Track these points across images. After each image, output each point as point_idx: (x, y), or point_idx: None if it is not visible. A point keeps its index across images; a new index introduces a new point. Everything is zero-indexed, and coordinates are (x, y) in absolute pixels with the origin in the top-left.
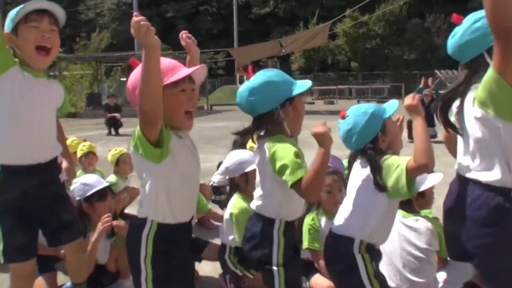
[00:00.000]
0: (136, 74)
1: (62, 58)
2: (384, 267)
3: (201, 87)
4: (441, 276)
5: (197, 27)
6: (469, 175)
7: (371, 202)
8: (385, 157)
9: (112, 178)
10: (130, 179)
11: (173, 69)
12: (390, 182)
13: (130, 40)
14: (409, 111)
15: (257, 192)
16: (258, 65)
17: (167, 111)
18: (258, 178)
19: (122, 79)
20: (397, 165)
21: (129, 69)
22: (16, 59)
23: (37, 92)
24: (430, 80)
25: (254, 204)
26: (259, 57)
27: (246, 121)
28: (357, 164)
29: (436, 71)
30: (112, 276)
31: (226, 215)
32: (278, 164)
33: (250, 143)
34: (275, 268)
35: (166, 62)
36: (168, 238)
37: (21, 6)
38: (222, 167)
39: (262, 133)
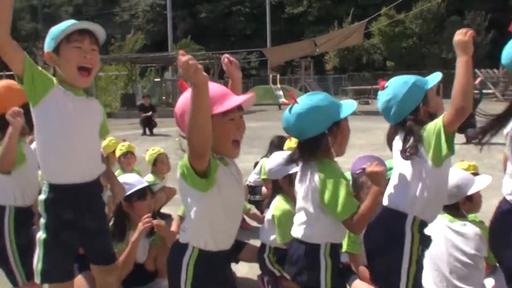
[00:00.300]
0: (184, 100)
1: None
2: (430, 273)
3: None
4: (489, 282)
5: (230, 27)
6: None
7: (418, 174)
8: (425, 126)
9: (149, 177)
10: (167, 178)
11: (223, 98)
12: (432, 146)
13: (164, 41)
14: (458, 48)
15: (299, 218)
16: (291, 65)
17: (215, 139)
18: (300, 203)
19: (156, 79)
20: (434, 125)
21: (163, 70)
22: (54, 78)
23: (81, 110)
24: (478, 81)
25: (297, 231)
26: (292, 57)
27: (278, 121)
28: (397, 139)
29: (476, 70)
30: (150, 275)
31: (268, 216)
32: (329, 198)
33: (288, 144)
34: None
35: (215, 89)
36: (209, 265)
37: (64, 25)
38: (265, 168)
39: (307, 158)
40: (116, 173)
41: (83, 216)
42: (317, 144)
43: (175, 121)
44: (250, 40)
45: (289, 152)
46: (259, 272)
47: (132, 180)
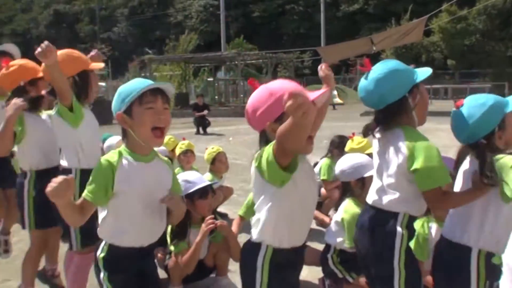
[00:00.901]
0: (257, 98)
1: (153, 59)
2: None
3: None
4: None
5: (283, 26)
6: None
7: (485, 205)
8: (499, 156)
9: (207, 176)
10: (225, 177)
11: None
12: (507, 182)
13: (217, 41)
14: None
15: (376, 185)
16: (346, 64)
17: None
18: (378, 171)
19: (209, 79)
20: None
21: (215, 70)
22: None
23: (152, 178)
24: None
25: (373, 198)
26: (348, 56)
27: (332, 121)
28: (466, 162)
29: None
30: (207, 270)
31: (336, 218)
32: (421, 164)
33: (350, 145)
34: (396, 266)
35: (288, 86)
36: (284, 264)
37: (135, 86)
38: (325, 169)
39: (389, 125)
40: (175, 171)
41: (140, 276)
42: (400, 108)
43: (246, 119)
44: (303, 39)
45: (363, 155)
46: (318, 275)
47: (194, 178)
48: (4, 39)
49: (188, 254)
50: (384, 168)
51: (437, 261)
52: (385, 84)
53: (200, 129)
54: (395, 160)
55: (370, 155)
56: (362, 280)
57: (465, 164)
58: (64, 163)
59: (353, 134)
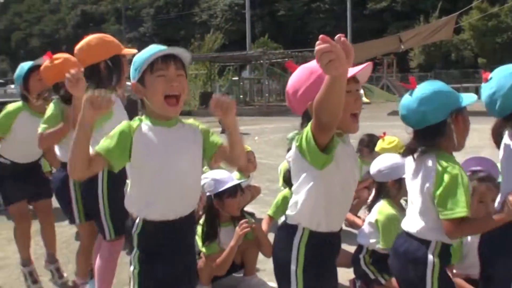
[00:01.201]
0: (297, 78)
1: None
2: None
3: None
4: None
5: (309, 25)
6: None
7: None
8: None
9: (235, 175)
10: (252, 177)
11: None
12: None
13: (242, 40)
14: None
15: (411, 212)
16: (374, 63)
17: None
18: (412, 197)
19: (234, 78)
20: None
21: (241, 69)
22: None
23: (175, 143)
24: None
25: (407, 225)
26: (375, 54)
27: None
28: (506, 136)
29: None
30: (235, 267)
31: (370, 219)
32: (443, 191)
33: (381, 144)
34: None
35: None
36: (321, 248)
37: (146, 53)
38: (373, 169)
39: (424, 147)
40: (203, 169)
41: (176, 251)
42: (439, 132)
43: (286, 100)
44: (329, 37)
45: (396, 155)
46: (349, 276)
47: (223, 177)
48: (33, 39)
49: (222, 257)
50: (415, 193)
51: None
52: (429, 104)
53: None
54: (425, 185)
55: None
56: (395, 281)
57: (505, 139)
58: None
59: (384, 133)
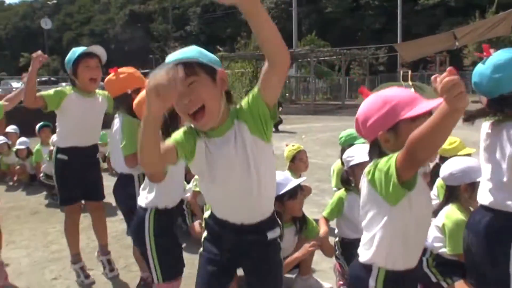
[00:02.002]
0: (369, 106)
1: (224, 57)
2: None
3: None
4: None
5: (358, 22)
6: None
7: None
8: None
9: (286, 174)
10: (303, 176)
11: (413, 102)
12: None
13: (288, 38)
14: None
15: (487, 186)
16: (424, 61)
17: (401, 145)
18: (488, 171)
19: None
20: None
21: None
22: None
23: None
24: None
25: (485, 198)
26: (428, 52)
27: None
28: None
29: None
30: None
31: (436, 223)
32: None
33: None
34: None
35: (404, 93)
36: (398, 286)
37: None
38: (443, 172)
39: (501, 117)
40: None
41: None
42: None
43: (355, 126)
44: (378, 34)
45: (472, 158)
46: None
47: (281, 179)
48: (83, 39)
49: (288, 263)
50: (496, 166)
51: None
52: (504, 71)
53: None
54: (506, 155)
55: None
56: (459, 284)
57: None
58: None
59: None
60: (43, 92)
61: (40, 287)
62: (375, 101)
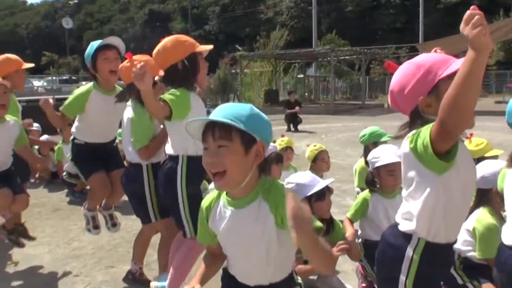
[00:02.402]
0: (403, 75)
1: (243, 56)
2: None
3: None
4: None
5: (378, 21)
6: None
7: None
8: None
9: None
10: (325, 176)
11: (446, 61)
12: None
13: (308, 37)
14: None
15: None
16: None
17: None
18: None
19: (299, 75)
20: None
21: (306, 66)
22: None
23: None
24: None
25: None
26: (451, 52)
27: None
28: None
29: None
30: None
31: (467, 226)
32: None
33: (467, 146)
34: None
35: (435, 56)
36: (435, 261)
37: None
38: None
39: None
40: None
41: None
42: None
43: (389, 100)
44: (399, 33)
45: (500, 161)
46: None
47: (308, 180)
48: (103, 38)
49: (309, 267)
50: None
51: None
52: None
53: (291, 126)
54: None
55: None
56: (487, 286)
57: None
58: (170, 150)
59: (471, 135)
60: (63, 108)
61: (61, 283)
62: (407, 68)
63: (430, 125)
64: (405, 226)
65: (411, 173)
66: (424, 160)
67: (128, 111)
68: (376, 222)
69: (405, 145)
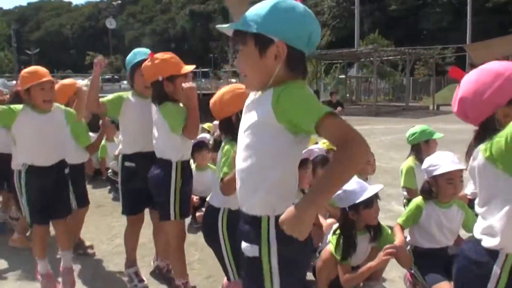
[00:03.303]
0: (479, 81)
1: None
2: None
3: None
4: None
5: (423, 20)
6: None
7: None
8: None
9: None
10: (370, 180)
11: None
12: None
13: (350, 37)
14: None
15: None
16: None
17: None
18: None
19: (340, 76)
20: None
21: (348, 66)
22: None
23: None
24: None
25: None
26: (502, 54)
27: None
28: None
29: None
30: None
31: None
32: None
33: None
34: None
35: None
36: None
37: None
38: None
39: None
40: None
41: None
42: None
43: (456, 107)
44: (445, 33)
45: None
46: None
47: (355, 188)
48: (144, 38)
49: (356, 275)
50: None
51: None
52: None
53: None
54: None
55: None
56: None
57: None
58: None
59: None
60: (104, 99)
61: (104, 279)
62: (482, 76)
63: (505, 132)
64: (488, 242)
65: (490, 186)
66: (505, 165)
67: (154, 109)
68: (427, 230)
69: (479, 157)
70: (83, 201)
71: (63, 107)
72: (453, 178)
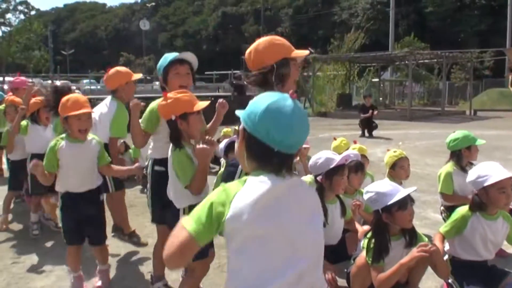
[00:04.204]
0: None
1: (317, 58)
2: None
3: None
4: None
5: (461, 23)
6: None
7: None
8: None
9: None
10: (404, 186)
11: None
12: None
13: (384, 40)
14: None
15: None
16: None
17: None
18: None
19: (374, 79)
20: None
21: (382, 69)
22: None
23: None
24: None
25: None
26: None
27: None
28: None
29: None
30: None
31: None
32: None
33: None
34: None
35: None
36: None
37: None
38: None
39: None
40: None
41: None
42: None
43: None
44: (483, 36)
45: None
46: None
47: (388, 189)
48: (177, 40)
49: (387, 274)
50: None
51: None
52: None
53: (366, 131)
54: None
55: None
56: None
57: None
58: None
59: None
60: (143, 126)
61: (135, 279)
62: None
63: None
64: None
65: None
66: None
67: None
68: (470, 242)
69: None
70: (120, 185)
71: (98, 138)
72: (505, 187)
